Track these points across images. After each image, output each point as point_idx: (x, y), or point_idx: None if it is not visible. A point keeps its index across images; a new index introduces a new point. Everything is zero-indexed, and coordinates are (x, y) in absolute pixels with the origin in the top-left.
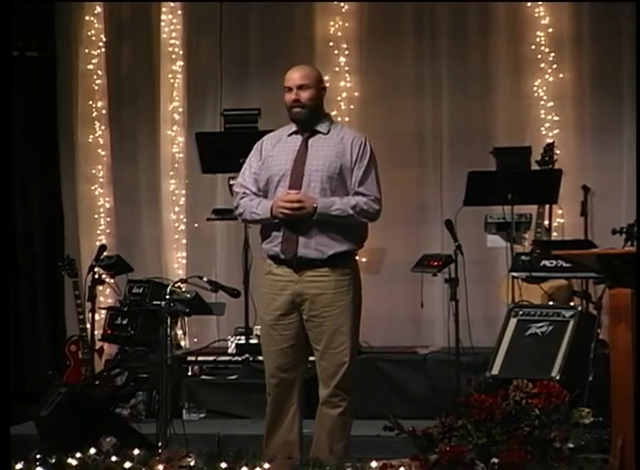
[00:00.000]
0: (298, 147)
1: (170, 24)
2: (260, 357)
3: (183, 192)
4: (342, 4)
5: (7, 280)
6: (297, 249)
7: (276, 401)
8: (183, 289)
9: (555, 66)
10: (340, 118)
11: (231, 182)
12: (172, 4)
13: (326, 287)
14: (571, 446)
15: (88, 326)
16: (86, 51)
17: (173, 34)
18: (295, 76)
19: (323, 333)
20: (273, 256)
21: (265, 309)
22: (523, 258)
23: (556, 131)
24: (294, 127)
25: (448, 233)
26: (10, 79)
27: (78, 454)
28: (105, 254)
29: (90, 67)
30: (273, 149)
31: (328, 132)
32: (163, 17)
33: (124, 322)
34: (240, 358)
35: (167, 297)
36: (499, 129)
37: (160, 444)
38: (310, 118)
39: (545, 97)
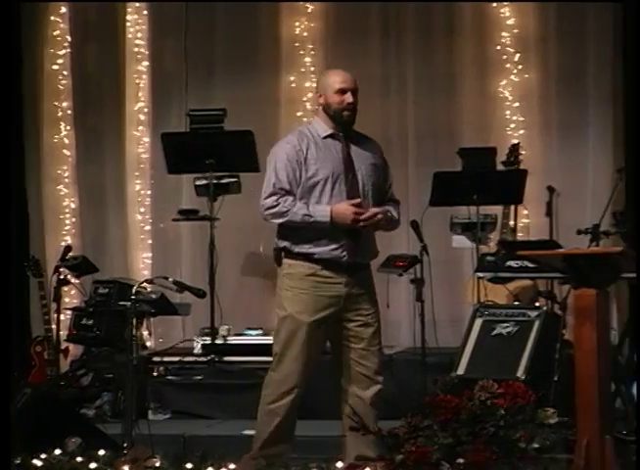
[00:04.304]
0: (341, 150)
1: (136, 25)
2: (226, 358)
3: (149, 192)
4: (307, 4)
5: None
6: (355, 254)
7: (288, 415)
8: (149, 289)
9: (520, 66)
10: (306, 119)
11: (197, 183)
12: (137, 4)
13: (368, 287)
14: (536, 446)
15: (54, 326)
16: (51, 51)
17: (139, 35)
18: (351, 80)
19: (367, 332)
20: (325, 259)
21: (304, 309)
22: (488, 258)
23: (521, 132)
24: (329, 130)
25: (414, 233)
26: None
27: (43, 455)
28: (70, 254)
29: (55, 67)
30: (310, 151)
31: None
32: (129, 17)
33: (90, 323)
34: (205, 359)
35: (133, 297)
36: (465, 130)
37: (125, 444)
38: (353, 125)
39: (511, 97)
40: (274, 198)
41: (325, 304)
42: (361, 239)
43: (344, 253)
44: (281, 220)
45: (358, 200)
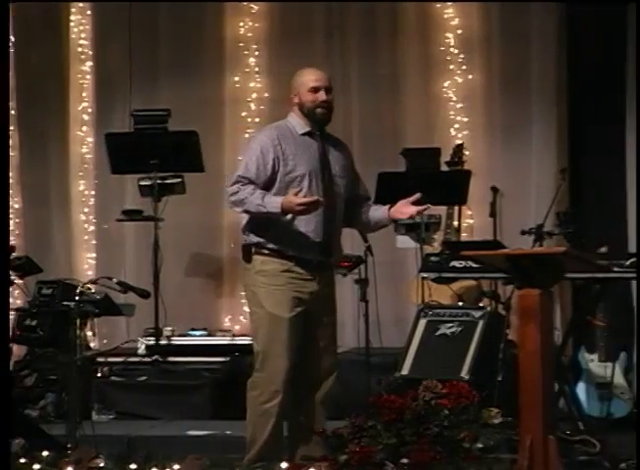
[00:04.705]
0: (317, 148)
1: (79, 25)
2: (170, 358)
3: (92, 193)
4: (251, 5)
5: None
6: (326, 253)
7: (280, 415)
8: (93, 290)
9: (464, 67)
10: (250, 119)
11: (141, 183)
12: (81, 4)
13: (332, 287)
14: (480, 445)
15: None
16: None
17: (82, 35)
18: (325, 78)
19: (327, 332)
20: (297, 256)
21: (282, 305)
22: (432, 258)
23: (465, 132)
24: (306, 128)
25: (358, 234)
26: None
27: None
28: (14, 254)
29: None
30: (288, 147)
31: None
32: (72, 17)
33: (33, 323)
34: (149, 359)
35: (77, 298)
36: (409, 130)
37: (69, 445)
38: (328, 122)
39: (454, 98)
40: (237, 185)
41: (301, 299)
42: (333, 239)
43: (317, 251)
44: (240, 208)
45: (298, 189)
